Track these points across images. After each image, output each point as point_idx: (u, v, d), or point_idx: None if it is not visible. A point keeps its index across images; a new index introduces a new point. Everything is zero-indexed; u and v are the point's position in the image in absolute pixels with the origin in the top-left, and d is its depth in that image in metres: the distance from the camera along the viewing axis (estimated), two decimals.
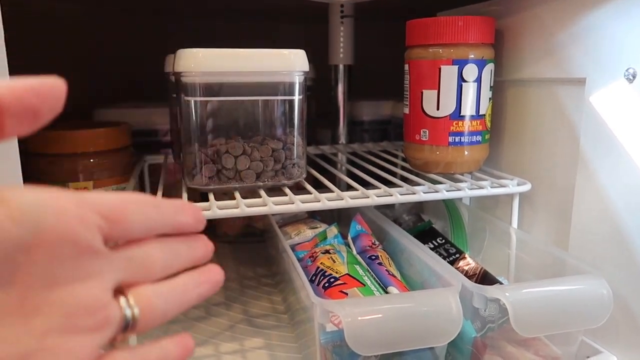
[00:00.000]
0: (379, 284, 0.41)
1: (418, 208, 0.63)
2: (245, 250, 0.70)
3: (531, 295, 0.35)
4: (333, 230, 0.51)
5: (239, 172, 0.43)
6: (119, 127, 0.54)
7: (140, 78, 0.74)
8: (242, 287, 0.59)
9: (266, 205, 0.40)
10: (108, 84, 0.77)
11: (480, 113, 0.48)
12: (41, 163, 0.51)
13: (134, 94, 0.76)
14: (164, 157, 0.59)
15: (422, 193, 0.43)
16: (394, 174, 0.51)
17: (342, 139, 0.73)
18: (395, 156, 0.61)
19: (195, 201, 0.41)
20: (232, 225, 0.73)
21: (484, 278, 0.46)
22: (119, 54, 0.78)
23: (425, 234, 0.54)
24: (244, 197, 0.41)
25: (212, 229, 0.74)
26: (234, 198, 0.41)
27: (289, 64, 0.42)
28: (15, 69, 0.31)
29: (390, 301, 0.34)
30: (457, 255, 0.50)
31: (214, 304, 0.55)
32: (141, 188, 0.59)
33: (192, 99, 0.41)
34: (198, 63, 0.40)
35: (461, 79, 0.47)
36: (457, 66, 0.46)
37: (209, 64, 0.40)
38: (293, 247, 0.50)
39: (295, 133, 0.44)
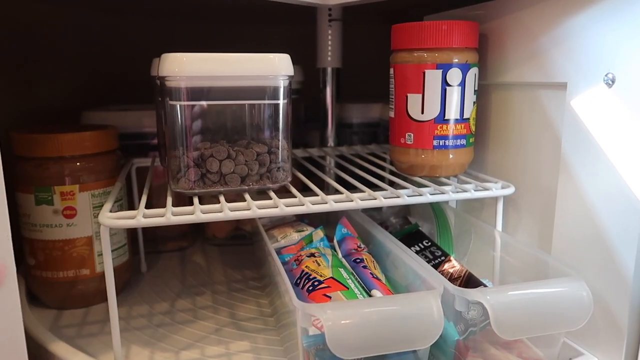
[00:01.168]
0: (362, 288, 0.42)
1: (405, 211, 0.63)
2: (234, 253, 0.70)
3: (512, 298, 0.36)
4: (319, 234, 0.51)
5: (224, 175, 0.43)
6: (106, 130, 0.54)
7: (129, 80, 0.74)
8: (230, 290, 0.59)
9: (250, 209, 0.40)
10: (96, 87, 0.77)
11: (465, 117, 0.48)
12: (27, 166, 0.51)
13: (123, 97, 0.76)
14: (151, 160, 0.59)
15: (406, 197, 0.44)
16: (381, 177, 0.52)
17: (331, 142, 0.73)
18: (384, 159, 0.62)
19: (181, 205, 0.41)
20: (221, 228, 0.73)
21: (469, 280, 0.46)
22: (107, 56, 0.78)
23: (412, 237, 0.54)
24: (229, 201, 0.41)
25: (201, 232, 0.74)
26: (219, 202, 0.41)
27: (274, 68, 0.42)
28: (3, 73, 0.31)
29: (372, 304, 0.34)
30: (443, 258, 0.50)
31: (201, 307, 0.55)
32: (128, 191, 0.59)
33: (176, 103, 0.41)
34: (182, 67, 0.40)
35: (445, 83, 0.47)
36: (441, 70, 0.47)
37: (194, 68, 0.41)
38: (279, 251, 0.50)
39: (280, 137, 0.45)
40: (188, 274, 0.64)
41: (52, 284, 0.53)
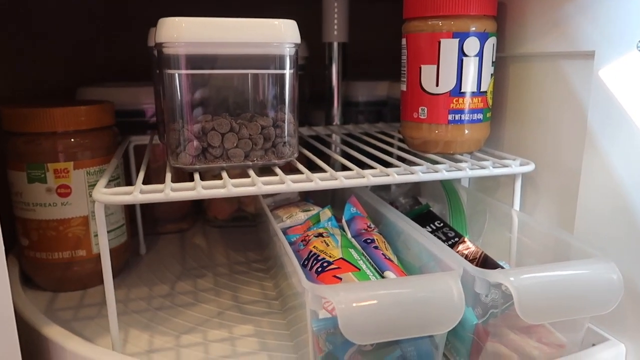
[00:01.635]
0: (375, 269, 0.39)
1: (415, 191, 0.61)
2: (236, 235, 0.68)
3: (537, 280, 0.33)
4: (327, 213, 0.48)
5: (226, 150, 0.40)
6: (101, 105, 0.52)
7: (126, 57, 0.71)
8: (232, 273, 0.57)
9: (255, 185, 0.37)
10: (92, 64, 0.74)
11: (482, 90, 0.45)
12: (18, 142, 0.49)
13: (120, 75, 0.73)
14: (150, 138, 0.57)
15: (420, 173, 0.41)
16: (390, 155, 0.49)
17: (337, 121, 0.70)
18: (392, 137, 0.59)
19: (182, 181, 0.38)
20: (222, 209, 0.70)
21: (485, 262, 0.44)
22: (104, 32, 0.74)
23: (423, 218, 0.51)
24: (232, 178, 0.39)
25: (202, 213, 0.72)
26: (221, 178, 0.39)
27: (279, 34, 0.39)
28: None
29: (387, 286, 0.32)
30: (456, 239, 0.48)
31: (203, 290, 0.53)
32: (126, 170, 0.57)
33: (175, 72, 0.38)
34: (181, 33, 0.37)
35: (462, 53, 0.44)
36: (457, 39, 0.44)
37: (193, 33, 0.38)
38: (284, 231, 0.47)
39: (286, 110, 0.42)
40: (188, 256, 0.61)
41: (47, 265, 0.50)
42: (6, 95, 0.62)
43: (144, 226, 0.62)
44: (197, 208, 0.72)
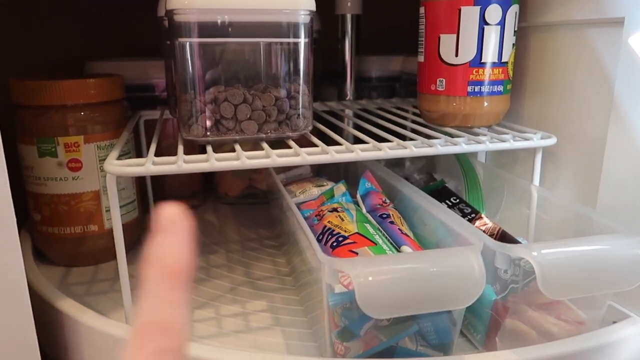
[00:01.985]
0: (391, 244, 0.38)
1: (430, 167, 0.60)
2: (247, 211, 0.67)
3: (560, 255, 0.32)
4: (341, 188, 0.47)
5: (239, 122, 0.39)
6: (111, 78, 0.51)
7: (136, 32, 0.70)
8: (244, 249, 0.56)
9: (269, 157, 0.36)
10: (101, 36, 0.73)
11: (503, 60, 0.44)
12: (27, 116, 0.48)
13: (130, 50, 0.72)
14: (160, 112, 0.56)
15: (439, 146, 0.40)
16: (405, 129, 0.48)
17: (349, 96, 0.69)
18: (406, 111, 0.57)
19: (192, 154, 0.37)
20: (234, 186, 0.70)
21: (503, 239, 0.43)
22: (113, 5, 0.73)
23: (438, 194, 0.50)
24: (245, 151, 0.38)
25: (213, 190, 0.71)
26: (234, 151, 0.38)
27: (294, 1, 0.38)
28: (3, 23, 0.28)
29: (406, 260, 0.31)
30: (473, 215, 0.47)
31: (215, 265, 0.52)
32: (136, 145, 0.56)
33: (186, 41, 0.37)
34: None
35: (483, 22, 0.42)
36: (479, 7, 0.42)
37: (205, 0, 0.36)
38: (298, 206, 0.46)
39: (301, 81, 0.41)
40: (200, 232, 0.61)
41: (59, 240, 0.50)
42: (15, 70, 0.62)
43: (156, 203, 0.62)
44: (208, 185, 0.71)
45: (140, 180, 0.57)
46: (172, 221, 0.18)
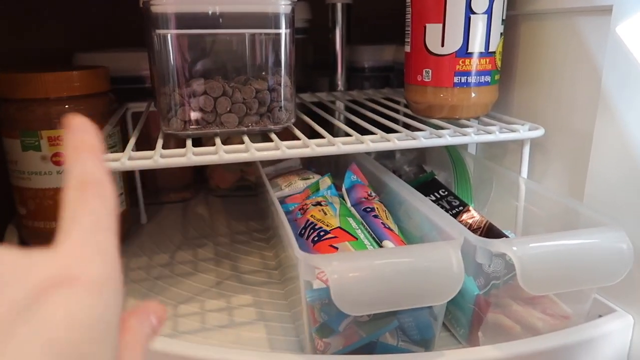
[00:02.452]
0: (373, 238, 0.38)
1: (420, 159, 0.59)
2: (238, 204, 0.67)
3: (541, 250, 0.31)
4: (326, 181, 0.47)
5: (219, 115, 0.38)
6: (95, 70, 0.50)
7: (126, 22, 0.69)
8: (233, 242, 0.56)
9: (248, 151, 0.36)
10: (90, 28, 0.72)
11: (490, 50, 0.43)
12: (11, 109, 0.47)
13: (120, 42, 0.71)
14: (147, 105, 0.55)
15: (422, 139, 0.39)
16: (396, 121, 0.47)
17: (341, 87, 0.68)
18: (398, 103, 0.57)
19: (179, 147, 0.37)
20: (225, 178, 0.69)
21: (489, 231, 0.42)
22: None
23: (427, 186, 0.50)
24: (227, 145, 0.37)
25: (205, 183, 0.71)
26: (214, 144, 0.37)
27: None
28: None
29: (383, 256, 0.31)
30: (461, 208, 0.46)
31: (203, 259, 0.52)
32: (123, 136, 0.55)
33: (163, 32, 0.37)
34: None
35: (469, 11, 0.41)
36: None
37: None
38: (283, 200, 0.46)
39: (283, 73, 0.40)
40: (190, 225, 0.60)
41: (45, 234, 0.50)
42: (2, 63, 0.61)
43: (147, 196, 0.62)
44: (200, 177, 0.71)
45: (128, 173, 0.57)
46: (80, 123, 0.20)
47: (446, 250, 0.31)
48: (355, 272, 0.29)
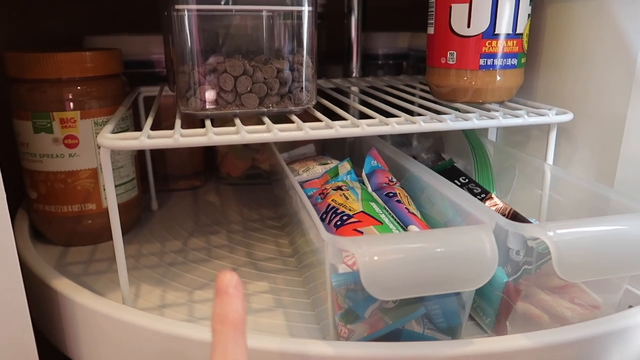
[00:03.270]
0: (398, 223, 0.37)
1: (438, 146, 0.58)
2: (250, 192, 0.66)
3: (577, 235, 0.30)
4: (346, 166, 0.46)
5: (239, 95, 0.37)
6: (108, 52, 0.49)
7: (137, 6, 0.68)
8: (246, 230, 0.55)
9: (270, 131, 0.35)
10: (101, 11, 0.70)
11: (518, 32, 0.42)
12: (22, 90, 0.46)
13: (130, 26, 0.70)
14: (159, 88, 0.54)
15: (449, 122, 0.38)
16: (414, 106, 0.46)
17: (355, 74, 0.67)
18: (414, 87, 0.55)
19: (192, 126, 0.36)
20: (236, 166, 0.68)
21: (514, 219, 0.41)
22: None
23: (447, 174, 0.49)
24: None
25: (215, 170, 0.70)
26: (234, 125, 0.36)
27: None
28: None
29: (415, 239, 0.29)
30: (483, 196, 0.45)
31: (216, 246, 0.51)
32: (136, 123, 0.54)
33: (184, 8, 0.35)
34: None
35: None
36: None
37: None
38: (301, 185, 0.45)
39: (304, 52, 0.39)
40: (201, 212, 0.59)
41: (56, 219, 0.49)
42: (12, 46, 0.60)
43: (156, 183, 0.61)
44: (210, 165, 0.70)
45: (140, 159, 0.56)
46: (230, 284, 0.24)
47: (479, 235, 0.30)
48: (386, 256, 0.28)
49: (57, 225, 0.49)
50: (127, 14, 0.70)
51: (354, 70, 0.67)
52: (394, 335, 0.33)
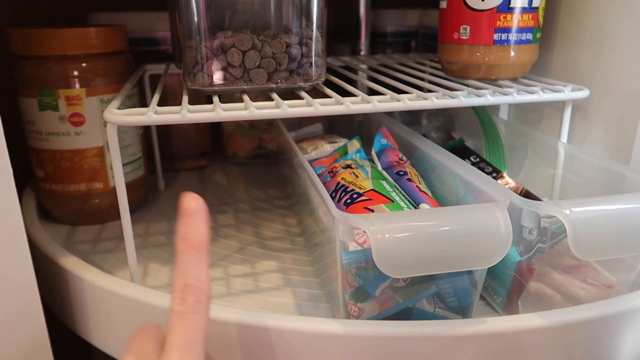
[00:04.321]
0: (409, 201, 0.36)
1: (448, 125, 0.57)
2: (257, 172, 0.65)
3: (593, 214, 0.30)
4: (355, 145, 0.45)
5: (248, 70, 0.36)
6: (113, 28, 0.48)
7: None
8: (254, 209, 0.54)
9: (279, 107, 0.34)
10: None
11: (534, 5, 0.40)
12: (27, 67, 0.46)
13: (135, 2, 0.68)
14: (165, 66, 0.53)
15: (462, 98, 0.37)
16: (422, 81, 0.45)
17: (364, 52, 0.65)
18: (423, 64, 0.54)
19: (199, 104, 0.35)
20: (243, 146, 0.67)
21: (527, 198, 0.40)
22: None
23: (457, 153, 0.47)
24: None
25: (221, 150, 0.69)
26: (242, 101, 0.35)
27: None
28: None
29: (427, 217, 0.29)
30: (494, 175, 0.44)
31: (224, 225, 0.51)
32: (141, 99, 0.53)
33: None
34: None
35: None
36: None
37: None
38: (310, 163, 0.44)
39: (314, 27, 0.38)
40: (208, 192, 0.59)
41: (63, 197, 0.49)
42: (16, 22, 0.59)
43: (163, 163, 0.60)
44: (217, 144, 0.69)
45: (146, 138, 0.55)
46: (194, 208, 0.26)
47: (493, 212, 0.29)
48: (398, 233, 0.27)
49: (65, 204, 0.49)
50: None
51: (363, 48, 0.66)
52: (405, 314, 0.33)
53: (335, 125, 0.61)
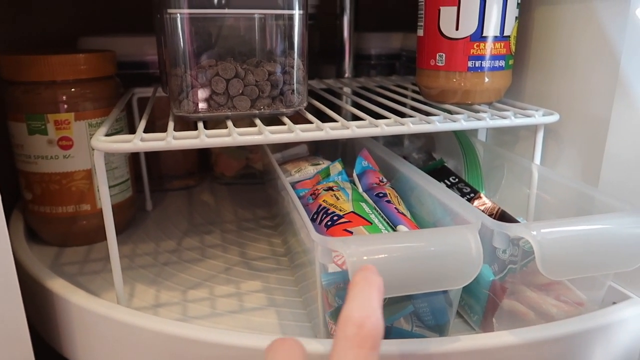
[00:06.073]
0: (387, 223, 0.38)
1: (429, 146, 0.59)
2: (244, 191, 0.66)
3: (560, 234, 0.31)
4: (337, 167, 0.46)
5: (231, 97, 0.38)
6: (102, 53, 0.49)
7: (130, 8, 0.68)
8: (240, 229, 0.55)
9: (262, 134, 0.35)
10: (95, 15, 0.71)
11: (505, 34, 0.42)
12: (17, 92, 0.47)
13: (124, 27, 0.70)
14: (153, 90, 0.54)
15: (437, 123, 0.39)
16: (404, 106, 0.47)
17: (348, 74, 0.67)
18: (405, 88, 0.56)
19: (186, 130, 0.36)
20: (230, 166, 0.69)
21: (502, 218, 0.42)
22: None
23: (437, 173, 0.49)
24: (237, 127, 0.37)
25: (209, 170, 0.70)
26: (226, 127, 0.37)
27: None
28: None
29: (401, 239, 0.30)
30: (472, 195, 0.46)
31: (210, 245, 0.51)
32: (130, 124, 0.55)
33: (176, 12, 0.36)
34: None
35: None
36: None
37: None
38: (293, 185, 0.45)
39: (295, 55, 0.39)
40: (195, 212, 0.60)
41: (51, 219, 0.49)
42: (5, 47, 0.60)
43: (151, 183, 0.61)
44: (204, 164, 0.70)
45: (134, 160, 0.56)
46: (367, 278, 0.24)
47: (464, 234, 0.30)
48: (373, 255, 0.29)
49: (52, 226, 0.50)
50: (121, 15, 0.70)
51: (347, 70, 0.67)
52: (384, 333, 0.34)
53: (320, 146, 0.63)
